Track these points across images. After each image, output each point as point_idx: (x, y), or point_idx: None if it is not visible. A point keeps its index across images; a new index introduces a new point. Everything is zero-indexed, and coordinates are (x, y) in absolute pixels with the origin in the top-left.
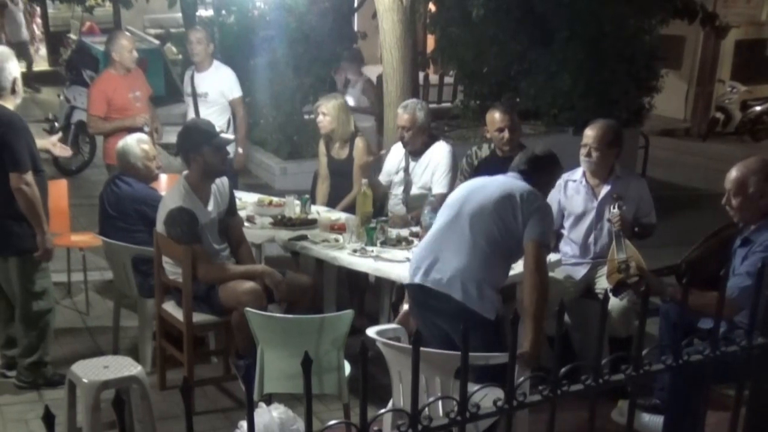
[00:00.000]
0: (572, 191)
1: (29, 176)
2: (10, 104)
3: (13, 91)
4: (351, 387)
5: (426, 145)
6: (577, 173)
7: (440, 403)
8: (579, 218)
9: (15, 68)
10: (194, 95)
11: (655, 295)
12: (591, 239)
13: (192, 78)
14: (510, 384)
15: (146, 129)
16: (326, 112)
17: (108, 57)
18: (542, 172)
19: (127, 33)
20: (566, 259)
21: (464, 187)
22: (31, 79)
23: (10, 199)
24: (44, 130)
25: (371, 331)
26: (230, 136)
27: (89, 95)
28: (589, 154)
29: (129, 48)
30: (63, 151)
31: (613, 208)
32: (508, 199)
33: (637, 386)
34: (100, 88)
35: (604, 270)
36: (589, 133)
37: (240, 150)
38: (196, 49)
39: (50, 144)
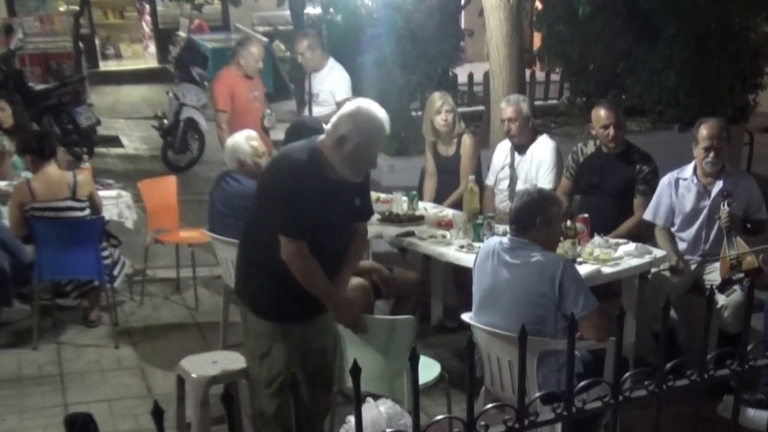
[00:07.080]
0: (683, 189)
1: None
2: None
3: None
4: (456, 382)
5: (531, 140)
6: (687, 171)
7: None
8: (691, 216)
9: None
10: (309, 95)
11: (765, 290)
12: (702, 236)
13: (310, 78)
14: (616, 379)
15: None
16: (450, 110)
17: (232, 57)
18: None
19: (259, 42)
20: None
21: None
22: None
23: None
24: (153, 127)
25: (466, 316)
26: None
27: (214, 91)
28: (716, 155)
29: (257, 58)
30: None
31: (723, 205)
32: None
33: (743, 381)
34: (224, 83)
35: (714, 266)
36: (709, 133)
37: None
38: (302, 54)
39: None
